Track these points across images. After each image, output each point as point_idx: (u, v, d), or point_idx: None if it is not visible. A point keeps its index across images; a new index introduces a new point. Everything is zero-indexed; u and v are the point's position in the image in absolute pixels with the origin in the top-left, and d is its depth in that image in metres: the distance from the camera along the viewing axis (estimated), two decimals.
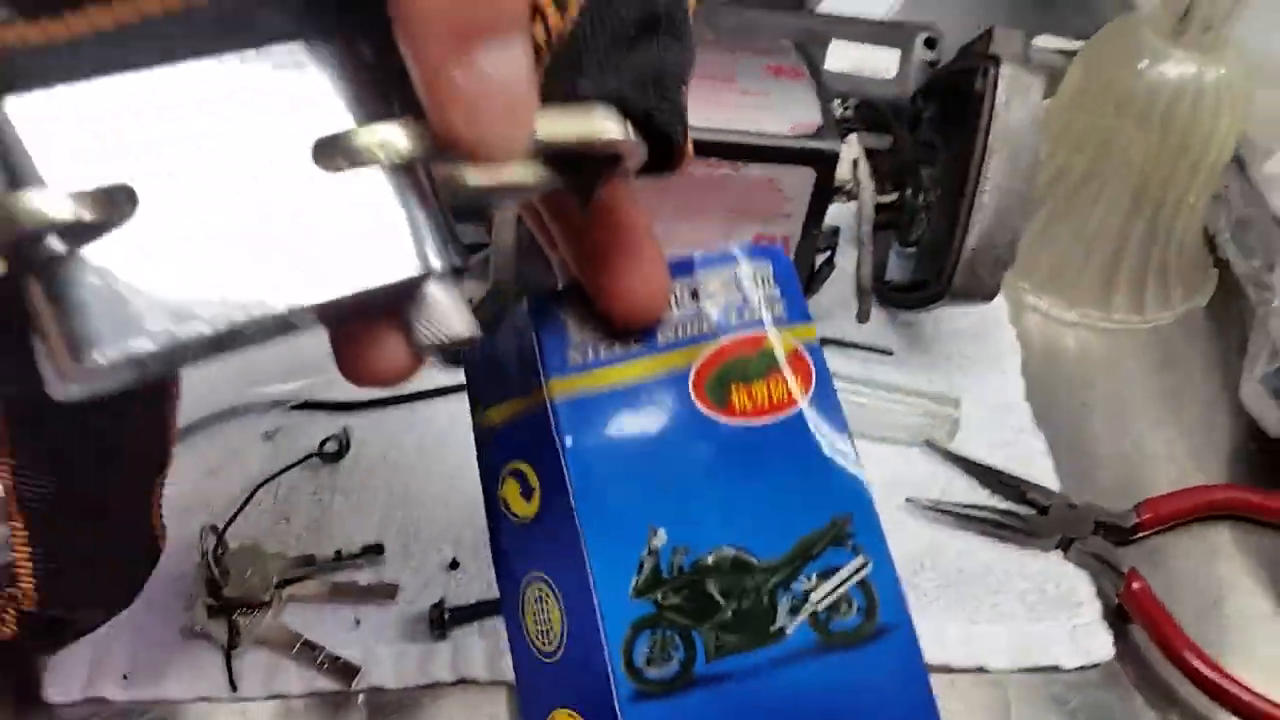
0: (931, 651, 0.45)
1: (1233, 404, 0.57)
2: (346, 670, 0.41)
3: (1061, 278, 0.60)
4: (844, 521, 0.29)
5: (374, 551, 0.45)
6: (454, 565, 0.45)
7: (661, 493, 0.28)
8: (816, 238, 0.51)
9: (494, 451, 0.31)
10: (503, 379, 0.30)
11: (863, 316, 0.53)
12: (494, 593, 0.44)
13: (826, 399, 0.30)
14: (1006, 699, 0.44)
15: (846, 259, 0.55)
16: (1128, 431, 0.56)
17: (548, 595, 0.29)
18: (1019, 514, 0.50)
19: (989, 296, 0.51)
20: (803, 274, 0.53)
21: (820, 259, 0.53)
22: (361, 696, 0.41)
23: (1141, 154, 0.55)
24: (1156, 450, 0.55)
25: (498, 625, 0.43)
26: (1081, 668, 0.45)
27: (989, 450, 0.53)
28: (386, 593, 0.44)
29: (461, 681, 0.42)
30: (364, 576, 0.45)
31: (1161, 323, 0.61)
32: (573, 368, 0.29)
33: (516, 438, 0.30)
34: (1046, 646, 0.45)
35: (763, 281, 0.31)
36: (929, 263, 0.56)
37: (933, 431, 0.52)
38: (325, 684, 0.41)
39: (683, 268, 0.30)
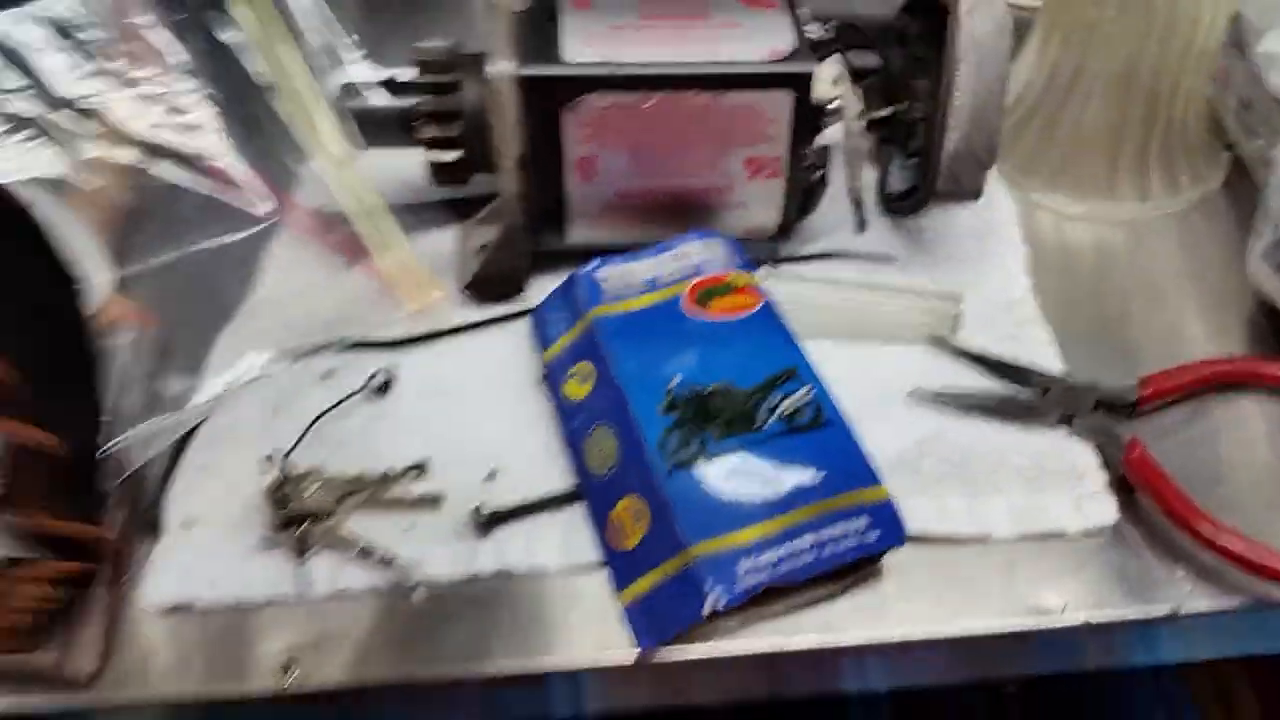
0: (933, 523, 0.48)
1: (1244, 285, 0.58)
2: (401, 567, 0.47)
3: (1065, 173, 0.62)
4: (792, 370, 0.49)
5: (419, 469, 0.50)
6: (491, 476, 0.50)
7: (673, 357, 0.49)
8: (805, 156, 0.54)
9: (556, 370, 0.53)
10: (557, 323, 0.54)
11: (858, 226, 0.56)
12: (529, 497, 0.49)
13: (773, 311, 0.52)
14: (1013, 567, 0.47)
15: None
16: (1137, 318, 0.58)
17: (605, 434, 0.48)
18: (1020, 399, 0.52)
19: (973, 195, 0.53)
20: (797, 193, 0.56)
21: (814, 177, 0.56)
22: (417, 589, 0.47)
23: (1127, 44, 0.56)
24: (1166, 333, 0.57)
25: (533, 525, 0.48)
26: (1087, 533, 0.47)
27: (994, 344, 0.55)
28: (433, 501, 0.49)
29: (501, 573, 0.47)
30: (412, 490, 0.50)
31: (1172, 209, 0.62)
32: (607, 298, 0.52)
33: (573, 353, 0.52)
34: (1050, 514, 0.48)
35: (720, 249, 0.54)
36: (923, 170, 0.58)
37: (936, 328, 0.55)
38: (384, 579, 0.47)
39: (668, 247, 0.55)
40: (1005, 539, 0.48)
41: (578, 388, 0.50)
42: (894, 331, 0.55)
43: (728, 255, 0.54)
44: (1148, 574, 0.46)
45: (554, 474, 0.50)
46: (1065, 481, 0.49)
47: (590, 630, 0.44)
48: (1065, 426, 0.51)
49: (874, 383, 0.53)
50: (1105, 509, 0.48)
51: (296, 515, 0.48)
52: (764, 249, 0.58)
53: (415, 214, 0.59)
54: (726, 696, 0.47)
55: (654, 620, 0.44)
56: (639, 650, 0.43)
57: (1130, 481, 0.49)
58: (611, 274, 0.53)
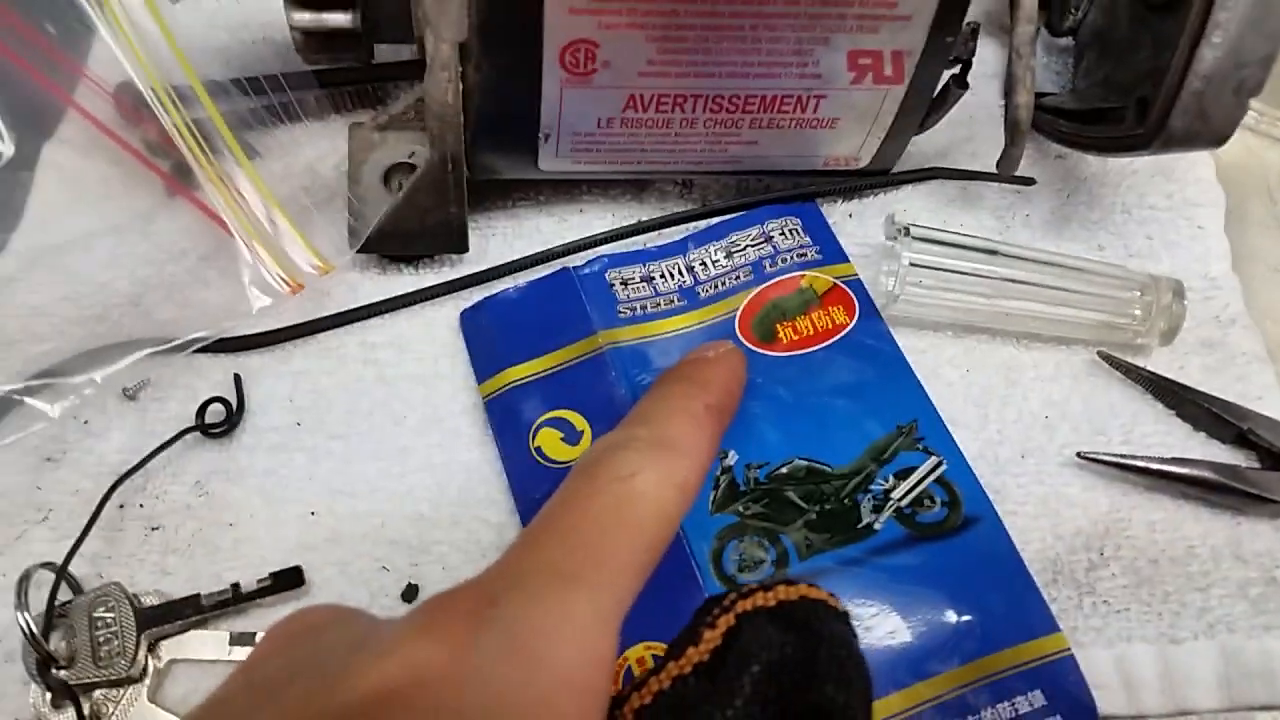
0: (1113, 694, 0.31)
1: None
2: None
3: None
4: (910, 427, 0.32)
5: (290, 582, 0.30)
6: (410, 594, 0.31)
7: None
8: (950, 47, 0.32)
9: (517, 408, 0.33)
10: (527, 339, 0.33)
11: (1008, 165, 0.35)
12: None
13: (873, 324, 0.34)
14: None
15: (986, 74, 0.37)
16: None
17: None
18: (1234, 467, 0.34)
19: (1219, 141, 0.32)
20: (918, 107, 0.34)
21: (946, 76, 0.34)
22: None
23: None
24: None
25: None
26: None
27: (1184, 356, 0.36)
28: None
29: None
30: (279, 618, 0.30)
31: None
32: (622, 320, 0.34)
33: (557, 391, 0.33)
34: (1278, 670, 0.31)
35: (791, 233, 0.36)
36: (1108, 71, 0.37)
37: (1128, 332, 0.35)
38: None
39: (714, 233, 0.36)
40: (1211, 711, 0.31)
41: (560, 447, 0.32)
42: (1048, 328, 0.35)
43: (803, 242, 0.36)
44: None
45: None
46: None
47: None
48: None
49: (1013, 424, 0.34)
50: None
51: (80, 683, 0.28)
52: (834, 183, 0.37)
53: (271, 100, 0.35)
54: None
55: None
56: None
57: None
58: (628, 276, 0.35)
